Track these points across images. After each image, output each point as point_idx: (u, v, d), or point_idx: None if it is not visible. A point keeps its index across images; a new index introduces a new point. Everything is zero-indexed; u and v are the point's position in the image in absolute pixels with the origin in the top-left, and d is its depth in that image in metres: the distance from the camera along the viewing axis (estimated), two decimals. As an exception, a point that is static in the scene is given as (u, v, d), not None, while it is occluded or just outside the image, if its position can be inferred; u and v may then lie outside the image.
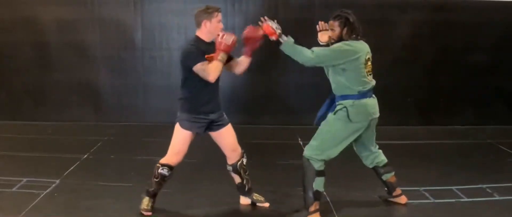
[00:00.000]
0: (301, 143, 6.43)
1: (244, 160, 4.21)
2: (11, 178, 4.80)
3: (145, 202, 4.11)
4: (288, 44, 3.83)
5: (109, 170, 5.26)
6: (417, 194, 4.52)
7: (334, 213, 4.19)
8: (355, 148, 4.23)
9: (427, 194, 4.55)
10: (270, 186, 4.65)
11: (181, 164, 5.48)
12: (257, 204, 4.32)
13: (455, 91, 7.55)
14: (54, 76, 7.41)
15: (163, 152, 5.89)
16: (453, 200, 4.44)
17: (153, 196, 4.13)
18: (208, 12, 3.87)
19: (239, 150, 4.19)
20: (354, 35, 3.89)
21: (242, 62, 4.07)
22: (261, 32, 3.91)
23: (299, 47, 3.83)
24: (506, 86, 7.49)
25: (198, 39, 3.93)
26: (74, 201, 4.32)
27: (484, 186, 4.75)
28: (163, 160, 4.09)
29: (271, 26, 3.82)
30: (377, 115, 4.00)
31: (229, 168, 4.22)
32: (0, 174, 4.93)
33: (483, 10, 7.27)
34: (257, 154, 5.53)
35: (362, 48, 3.88)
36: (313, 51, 3.79)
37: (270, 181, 4.81)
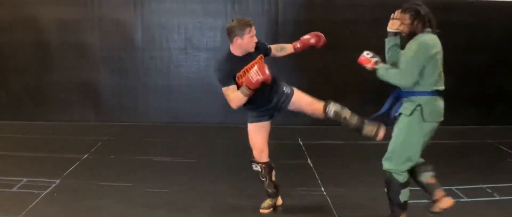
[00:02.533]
0: (301, 143, 6.43)
1: (332, 111, 3.97)
2: (11, 178, 4.80)
3: (267, 201, 4.21)
4: (381, 70, 3.60)
5: (109, 170, 5.26)
6: (417, 194, 4.51)
7: (334, 213, 4.19)
8: None
9: (427, 194, 4.54)
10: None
11: (181, 164, 5.52)
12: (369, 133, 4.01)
13: (455, 91, 7.54)
14: (54, 76, 7.40)
15: (163, 152, 5.94)
16: (453, 200, 4.43)
17: (270, 195, 4.19)
18: (239, 28, 3.74)
19: (318, 105, 4.02)
20: (428, 29, 3.56)
21: (286, 50, 4.18)
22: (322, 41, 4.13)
23: (391, 71, 3.54)
24: (506, 86, 7.48)
25: (230, 55, 3.87)
26: (74, 201, 4.32)
27: (484, 186, 4.75)
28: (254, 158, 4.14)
29: (364, 57, 3.71)
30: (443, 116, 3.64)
31: (322, 117, 4.06)
32: (0, 174, 4.93)
33: (483, 10, 7.26)
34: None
35: (438, 43, 3.53)
36: (402, 71, 3.46)
37: (270, 181, 4.80)
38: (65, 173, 5.05)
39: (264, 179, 4.13)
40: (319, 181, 4.94)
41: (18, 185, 4.65)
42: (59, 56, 7.36)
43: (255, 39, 3.84)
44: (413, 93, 3.51)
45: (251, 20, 3.83)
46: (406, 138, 3.57)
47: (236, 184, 4.67)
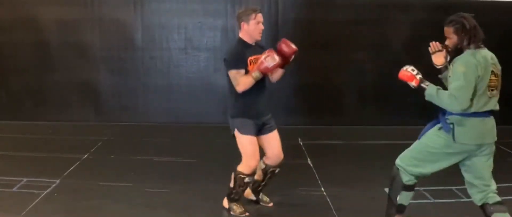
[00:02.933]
0: (301, 143, 6.43)
1: (278, 170, 4.17)
2: (11, 178, 4.80)
3: (236, 208, 4.08)
4: (432, 90, 3.38)
5: (109, 170, 5.26)
6: (417, 194, 4.49)
7: (334, 213, 4.19)
8: (465, 179, 3.54)
9: (427, 194, 4.55)
10: (269, 186, 4.65)
11: (181, 164, 5.52)
12: (261, 203, 4.31)
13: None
14: (54, 76, 7.40)
15: (163, 152, 5.94)
16: (453, 200, 4.43)
17: (238, 200, 4.10)
18: (245, 13, 3.85)
19: (281, 157, 4.13)
20: (474, 44, 3.33)
21: (277, 72, 4.05)
22: (293, 48, 3.88)
23: (441, 94, 3.32)
24: (506, 86, 7.45)
25: (240, 40, 3.93)
26: (74, 201, 4.32)
27: (484, 186, 4.73)
28: (242, 169, 3.97)
29: (406, 71, 3.47)
30: (492, 140, 3.43)
31: (263, 165, 4.15)
32: (0, 174, 4.93)
33: (483, 10, 7.25)
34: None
35: (486, 59, 3.32)
36: (454, 96, 3.23)
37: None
38: (65, 173, 5.05)
39: (243, 189, 4.06)
40: (319, 181, 4.94)
41: (18, 185, 4.65)
42: (59, 56, 7.36)
43: (261, 27, 3.88)
44: (450, 113, 3.35)
45: (259, 8, 3.91)
46: (427, 147, 3.43)
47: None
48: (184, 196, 4.51)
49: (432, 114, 7.87)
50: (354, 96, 7.54)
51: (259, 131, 4.02)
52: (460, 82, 3.22)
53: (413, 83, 3.45)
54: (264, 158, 4.15)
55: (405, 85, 3.59)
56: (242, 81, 3.81)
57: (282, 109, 7.50)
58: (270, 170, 4.15)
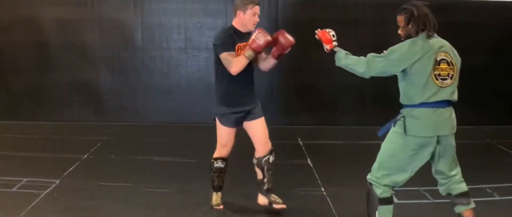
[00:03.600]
0: (301, 143, 6.43)
1: (271, 158, 4.08)
2: (11, 178, 4.79)
3: (214, 197, 4.20)
4: (340, 56, 3.43)
5: (109, 170, 5.26)
6: (417, 194, 4.52)
7: (334, 213, 4.19)
8: (432, 172, 3.48)
9: (427, 194, 4.54)
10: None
11: (180, 164, 5.52)
12: (274, 205, 4.16)
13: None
14: (54, 76, 7.41)
15: (163, 152, 5.95)
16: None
17: (218, 189, 4.21)
18: (243, 2, 3.82)
19: (269, 145, 4.09)
20: (424, 32, 3.24)
21: (268, 61, 4.04)
22: (292, 40, 3.84)
23: (352, 60, 3.38)
24: (506, 86, 7.49)
25: (232, 28, 3.91)
26: (74, 201, 4.32)
27: (484, 186, 4.74)
28: (215, 154, 4.15)
29: (328, 33, 3.56)
30: (449, 131, 3.32)
31: (255, 161, 4.12)
32: (0, 174, 4.93)
33: (483, 10, 7.27)
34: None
35: (431, 47, 3.20)
36: (367, 62, 3.31)
37: (270, 181, 4.80)
38: (65, 173, 5.05)
39: (217, 174, 4.16)
40: (319, 181, 4.94)
41: (18, 185, 4.65)
42: (59, 56, 7.37)
43: (257, 19, 3.87)
44: (404, 106, 3.30)
45: (259, 0, 3.88)
46: (387, 149, 3.35)
47: (235, 184, 4.66)
48: (184, 196, 4.51)
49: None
50: (354, 96, 7.54)
51: (244, 118, 4.03)
52: (382, 55, 3.30)
53: (327, 47, 3.54)
54: (254, 154, 4.12)
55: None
56: (236, 61, 3.78)
57: (282, 109, 7.51)
58: (264, 160, 4.07)
